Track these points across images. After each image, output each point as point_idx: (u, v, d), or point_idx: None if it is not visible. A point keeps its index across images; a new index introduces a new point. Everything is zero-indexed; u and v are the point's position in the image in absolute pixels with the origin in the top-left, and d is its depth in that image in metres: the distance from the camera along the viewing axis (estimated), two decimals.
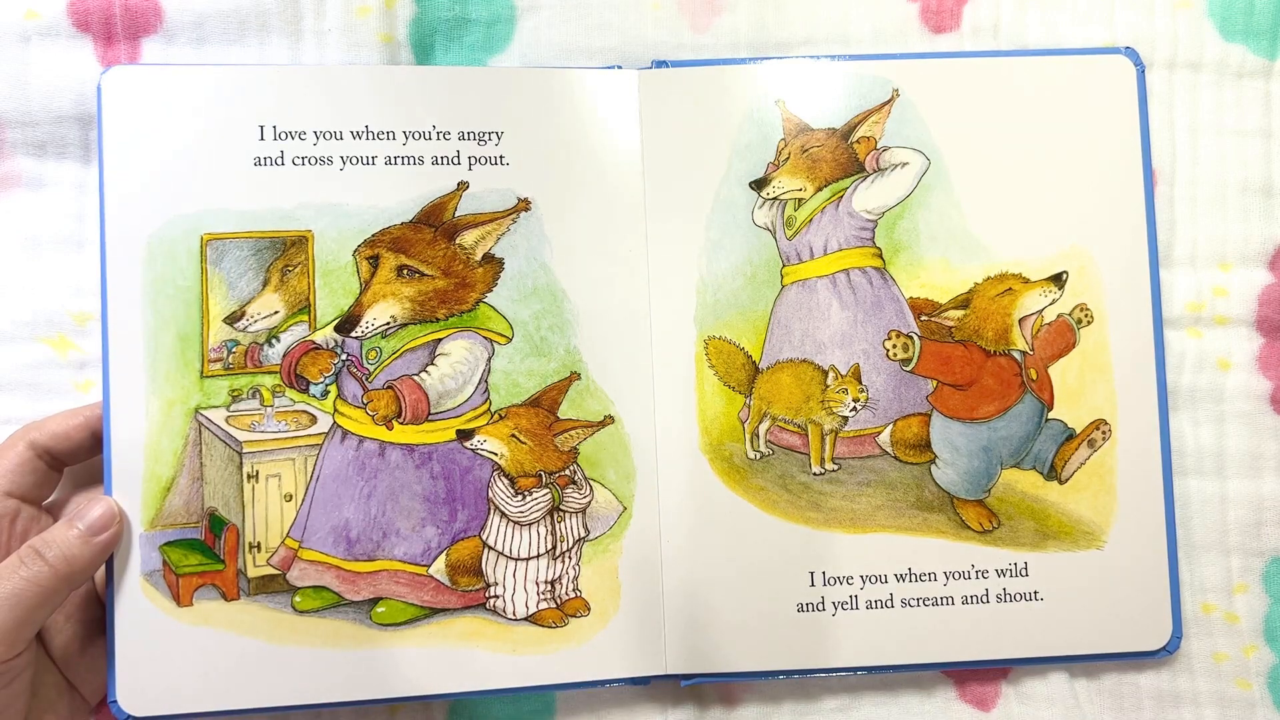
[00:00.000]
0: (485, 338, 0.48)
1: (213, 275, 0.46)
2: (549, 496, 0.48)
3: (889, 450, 0.49)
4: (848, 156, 0.50)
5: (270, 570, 0.46)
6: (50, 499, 0.47)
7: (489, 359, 0.48)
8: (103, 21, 0.49)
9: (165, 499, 0.45)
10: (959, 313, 0.49)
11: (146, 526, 0.45)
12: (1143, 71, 0.51)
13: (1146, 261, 0.50)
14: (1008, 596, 0.49)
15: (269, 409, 0.47)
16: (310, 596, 0.46)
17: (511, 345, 0.48)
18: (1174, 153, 0.52)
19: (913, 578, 0.49)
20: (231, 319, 0.47)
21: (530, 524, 0.48)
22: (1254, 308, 0.52)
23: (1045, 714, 0.50)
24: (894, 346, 0.49)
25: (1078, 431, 0.49)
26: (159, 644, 0.45)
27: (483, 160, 0.48)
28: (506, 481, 0.48)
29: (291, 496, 0.47)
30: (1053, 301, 0.49)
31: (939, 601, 0.48)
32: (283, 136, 0.47)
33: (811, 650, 0.48)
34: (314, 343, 0.47)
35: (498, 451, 0.48)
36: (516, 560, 0.47)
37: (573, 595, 0.48)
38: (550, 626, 0.47)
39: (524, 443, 0.48)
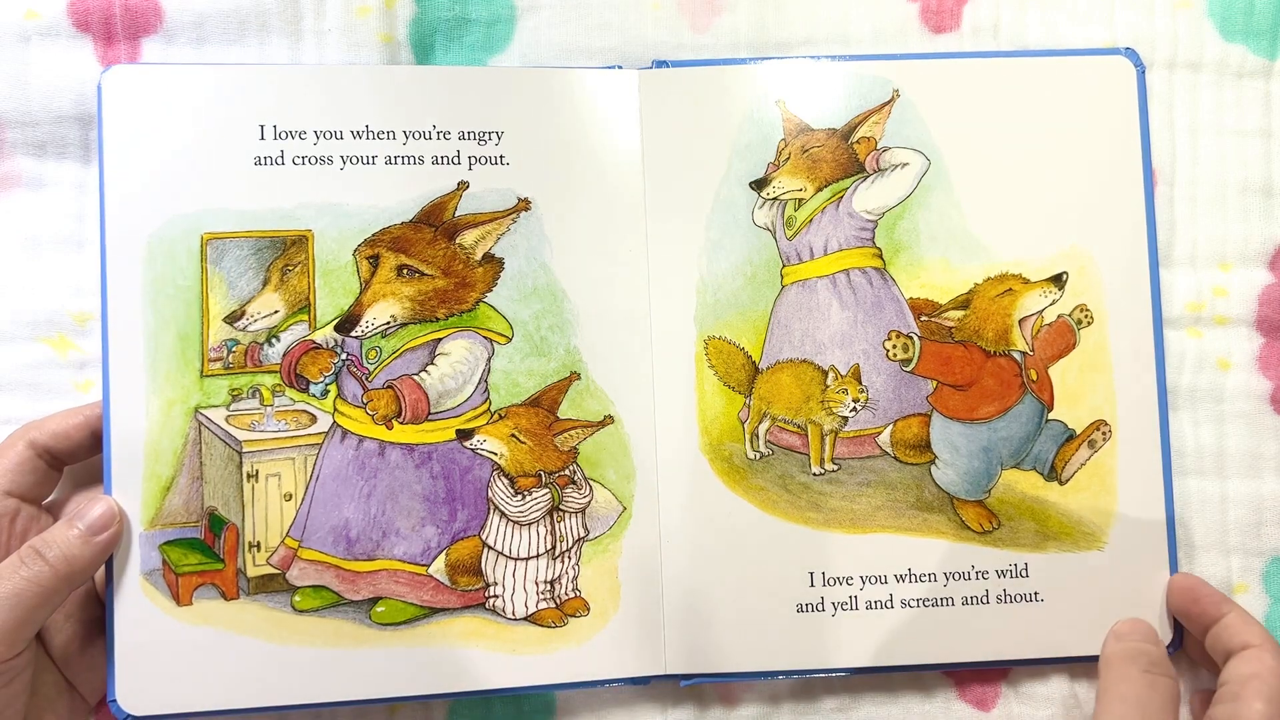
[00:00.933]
0: (485, 337, 0.48)
1: (213, 275, 0.46)
2: (549, 496, 0.48)
3: (889, 450, 0.49)
4: (848, 157, 0.50)
5: (270, 570, 0.46)
6: (50, 499, 0.47)
7: (489, 359, 0.48)
8: (103, 21, 0.49)
9: (165, 498, 0.45)
10: (959, 313, 0.49)
11: (146, 526, 0.45)
12: (1143, 72, 0.51)
13: (1146, 261, 0.50)
14: (1008, 597, 0.49)
15: (269, 408, 0.47)
16: (310, 596, 0.46)
17: (511, 345, 0.48)
18: (1174, 153, 0.52)
19: (913, 578, 0.49)
20: (231, 318, 0.47)
21: (530, 524, 0.48)
22: (1254, 308, 0.52)
23: (1045, 714, 0.50)
24: (894, 347, 0.49)
25: (1078, 432, 0.49)
26: (159, 643, 0.45)
27: (483, 160, 0.48)
28: (506, 481, 0.48)
29: (291, 496, 0.47)
30: (1053, 302, 0.49)
31: (939, 602, 0.48)
32: (283, 136, 0.47)
33: (811, 650, 0.48)
34: (314, 342, 0.47)
35: (498, 451, 0.48)
36: (516, 560, 0.47)
37: (572, 595, 0.48)
38: (550, 626, 0.47)
39: (524, 442, 0.48)
